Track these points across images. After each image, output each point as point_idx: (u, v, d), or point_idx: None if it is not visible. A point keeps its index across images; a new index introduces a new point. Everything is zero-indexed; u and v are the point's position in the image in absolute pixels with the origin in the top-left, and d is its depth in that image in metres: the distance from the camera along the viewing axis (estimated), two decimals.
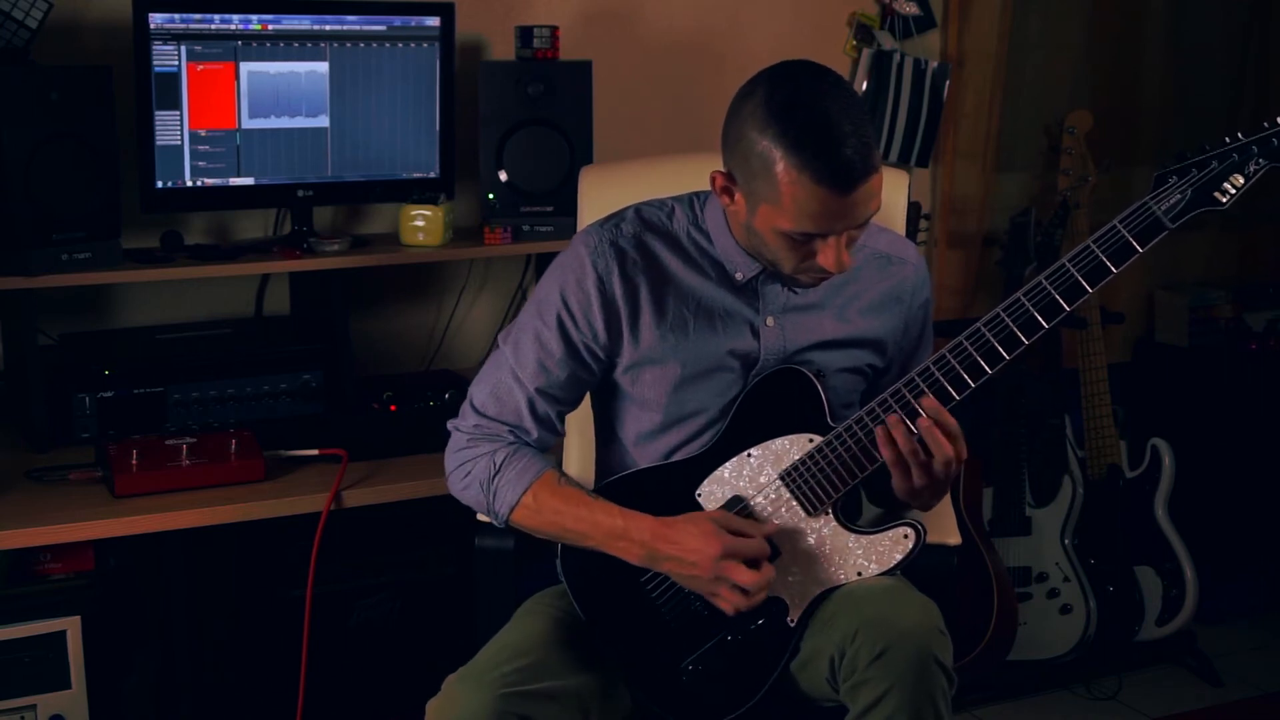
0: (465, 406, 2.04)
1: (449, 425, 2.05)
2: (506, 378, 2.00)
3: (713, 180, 1.89)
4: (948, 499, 2.24)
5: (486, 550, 2.10)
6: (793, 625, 1.91)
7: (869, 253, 2.03)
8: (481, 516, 2.10)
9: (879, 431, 1.85)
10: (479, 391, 2.02)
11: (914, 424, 1.84)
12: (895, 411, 1.85)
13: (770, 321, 1.98)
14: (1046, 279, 1.83)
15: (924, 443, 1.84)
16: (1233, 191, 1.80)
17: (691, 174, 1.98)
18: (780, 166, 1.77)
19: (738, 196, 1.87)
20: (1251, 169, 1.79)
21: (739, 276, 1.97)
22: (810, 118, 1.76)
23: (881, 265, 2.04)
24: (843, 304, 2.01)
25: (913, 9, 3.49)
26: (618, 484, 2.01)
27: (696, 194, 2.04)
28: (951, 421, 1.84)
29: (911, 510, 1.98)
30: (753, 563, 1.86)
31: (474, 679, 1.84)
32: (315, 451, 2.53)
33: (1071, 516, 3.32)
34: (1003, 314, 1.84)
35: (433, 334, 3.18)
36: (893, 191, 2.29)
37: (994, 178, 3.63)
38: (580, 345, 1.98)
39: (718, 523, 1.87)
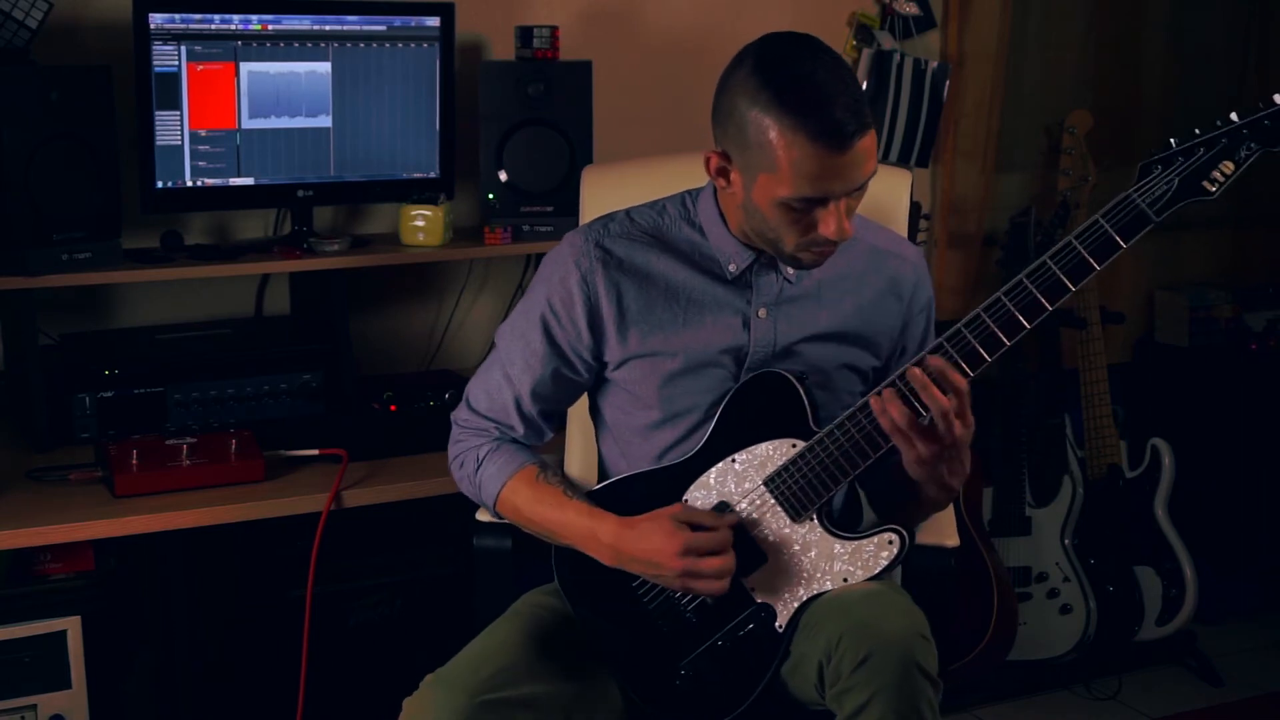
0: (463, 401, 2.09)
1: (451, 416, 2.10)
2: (498, 374, 2.04)
3: (707, 162, 1.88)
4: None
5: (485, 550, 2.11)
6: (781, 631, 1.89)
7: (865, 246, 2.01)
8: (481, 514, 2.12)
9: (873, 401, 1.80)
10: (475, 387, 2.07)
11: (907, 385, 1.78)
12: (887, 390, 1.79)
13: (762, 313, 1.97)
14: (1028, 277, 1.79)
15: (922, 402, 1.77)
16: (1222, 180, 1.71)
17: (692, 174, 1.98)
18: (774, 131, 1.76)
19: (734, 175, 1.85)
20: (1243, 154, 1.70)
21: (732, 269, 1.96)
22: (800, 79, 1.76)
23: (878, 259, 2.02)
24: (837, 296, 1.99)
25: (913, 9, 3.49)
26: (609, 489, 2.01)
27: (689, 191, 2.04)
28: (956, 379, 1.77)
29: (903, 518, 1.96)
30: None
31: (450, 683, 1.83)
32: (315, 451, 2.53)
33: (1071, 516, 3.32)
34: (983, 314, 1.81)
35: (433, 334, 3.18)
36: (896, 191, 2.28)
37: (994, 178, 3.63)
38: (564, 344, 1.99)
39: (677, 519, 1.86)
